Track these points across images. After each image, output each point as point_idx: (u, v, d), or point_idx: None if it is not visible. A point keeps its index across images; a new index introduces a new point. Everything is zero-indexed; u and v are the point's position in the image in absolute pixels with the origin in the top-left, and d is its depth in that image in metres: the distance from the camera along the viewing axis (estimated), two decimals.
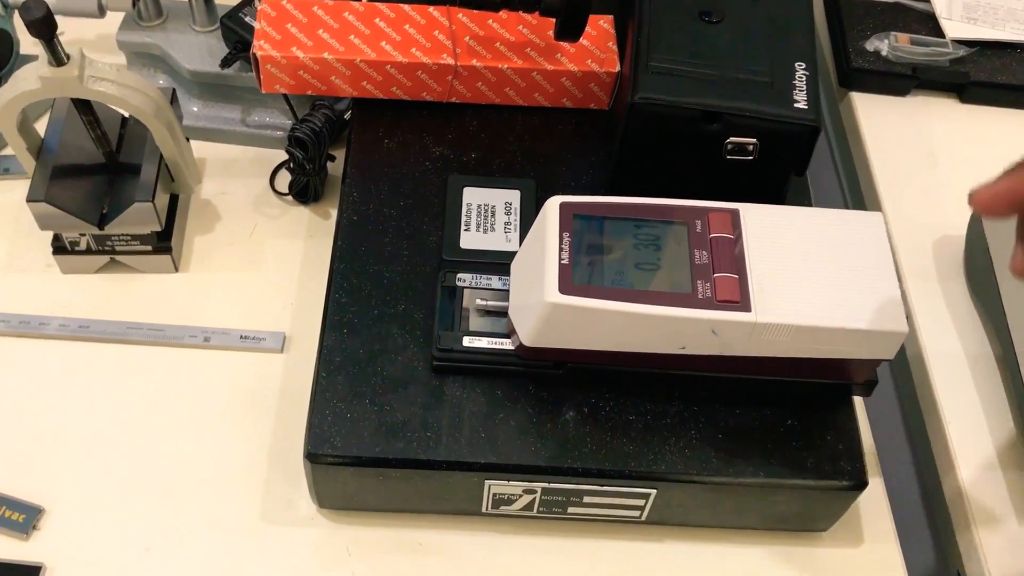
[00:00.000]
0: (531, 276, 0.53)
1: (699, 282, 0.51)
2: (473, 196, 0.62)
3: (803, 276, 0.51)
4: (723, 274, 0.51)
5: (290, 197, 0.71)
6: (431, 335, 0.56)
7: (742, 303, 0.50)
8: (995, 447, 0.61)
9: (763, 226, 0.53)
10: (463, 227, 0.61)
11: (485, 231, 0.61)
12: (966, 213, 0.67)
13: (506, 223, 0.61)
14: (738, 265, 0.52)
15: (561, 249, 0.52)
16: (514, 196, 0.63)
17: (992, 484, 0.60)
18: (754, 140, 0.58)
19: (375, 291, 0.58)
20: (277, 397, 0.62)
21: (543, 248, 0.52)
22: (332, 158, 0.70)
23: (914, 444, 0.68)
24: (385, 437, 0.53)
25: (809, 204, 0.64)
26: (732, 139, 0.58)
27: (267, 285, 0.67)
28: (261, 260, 0.68)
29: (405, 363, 0.56)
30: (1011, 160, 0.45)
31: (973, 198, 0.45)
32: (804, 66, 0.59)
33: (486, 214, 0.62)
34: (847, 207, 0.80)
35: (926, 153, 0.75)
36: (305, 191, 0.70)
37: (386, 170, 0.64)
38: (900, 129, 0.76)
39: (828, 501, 0.55)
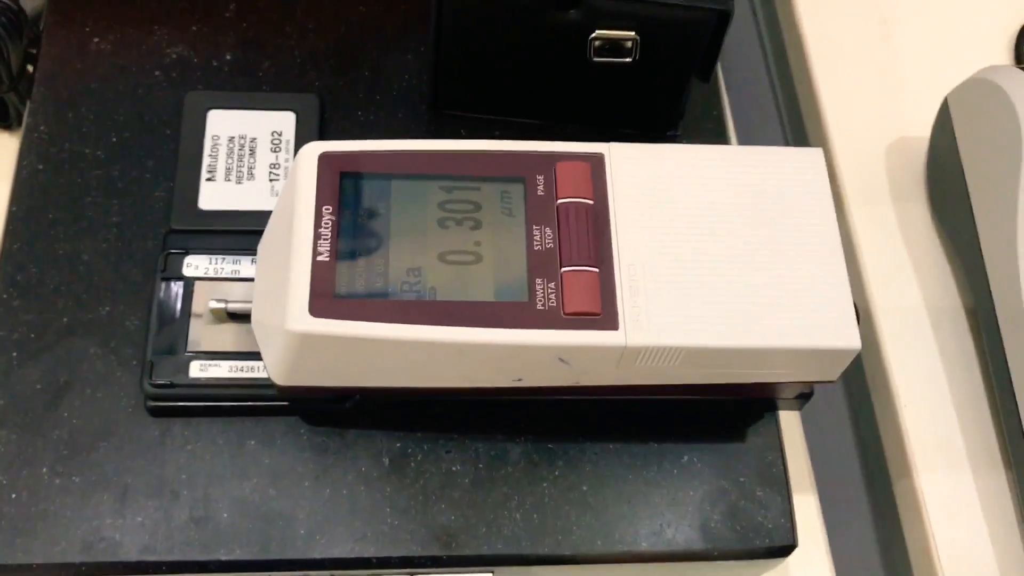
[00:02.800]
0: (275, 278, 0.33)
1: (539, 282, 0.32)
2: (222, 124, 0.42)
3: (701, 265, 0.33)
4: (576, 267, 0.32)
5: None
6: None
7: (604, 316, 0.32)
8: (965, 440, 0.45)
9: (640, 181, 0.34)
10: (204, 175, 0.40)
11: (239, 180, 0.41)
12: (933, 106, 0.49)
13: (272, 166, 0.41)
14: (600, 250, 0.33)
15: (319, 236, 0.32)
16: (286, 122, 0.42)
17: (960, 489, 0.44)
18: (633, 34, 0.38)
19: (66, 286, 0.39)
20: None
21: (290, 233, 0.32)
22: (32, 59, 0.48)
23: (860, 435, 0.51)
24: (68, 527, 0.34)
25: (721, 123, 0.45)
26: (600, 33, 0.39)
27: None
28: None
29: (107, 404, 0.37)
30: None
31: None
32: None
33: (242, 153, 0.41)
34: (776, 97, 0.60)
35: (878, 21, 0.56)
36: (4, 112, 0.48)
37: (93, 86, 0.43)
38: None
39: (741, 570, 0.39)
